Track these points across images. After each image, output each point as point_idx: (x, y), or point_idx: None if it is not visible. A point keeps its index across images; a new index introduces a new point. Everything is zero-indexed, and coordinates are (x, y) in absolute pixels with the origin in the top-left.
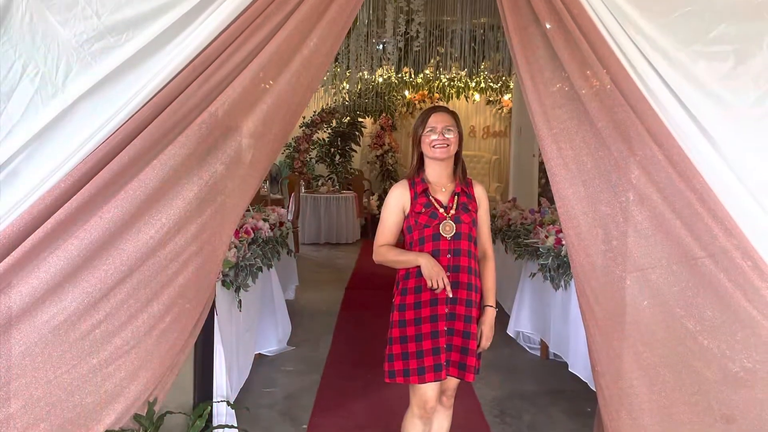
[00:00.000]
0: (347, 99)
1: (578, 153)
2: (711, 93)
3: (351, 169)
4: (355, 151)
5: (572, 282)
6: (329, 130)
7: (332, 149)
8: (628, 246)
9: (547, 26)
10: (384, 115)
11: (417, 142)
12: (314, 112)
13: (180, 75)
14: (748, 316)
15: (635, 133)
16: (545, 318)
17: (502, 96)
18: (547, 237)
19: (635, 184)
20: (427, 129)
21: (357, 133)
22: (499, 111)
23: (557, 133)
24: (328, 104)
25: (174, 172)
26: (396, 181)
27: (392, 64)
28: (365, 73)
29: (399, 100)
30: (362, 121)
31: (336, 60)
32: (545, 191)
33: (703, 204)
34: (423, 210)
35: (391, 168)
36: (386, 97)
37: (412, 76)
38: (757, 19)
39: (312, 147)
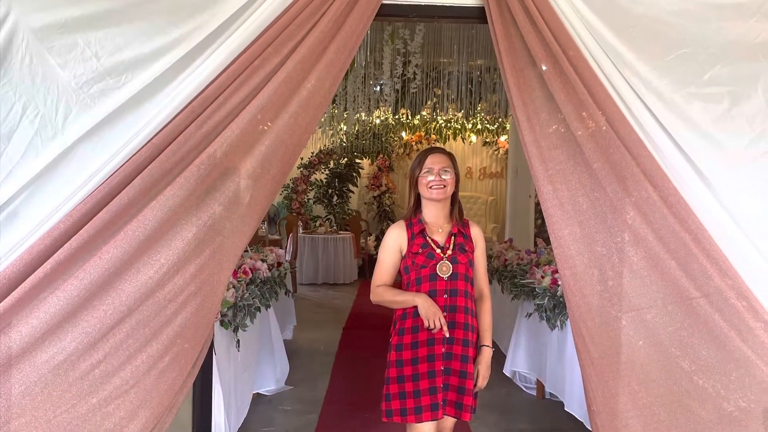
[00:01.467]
0: (345, 140)
1: (574, 194)
2: (706, 134)
3: (348, 209)
4: (353, 192)
5: (568, 322)
6: (327, 171)
7: (330, 190)
8: (623, 286)
9: (544, 68)
10: (381, 156)
11: (414, 183)
12: (312, 153)
13: (179, 116)
14: (743, 355)
15: (630, 174)
16: (541, 357)
17: (498, 137)
18: (543, 277)
19: (631, 224)
20: (424, 170)
21: (354, 174)
22: (496, 152)
23: (553, 174)
24: (325, 145)
25: (173, 213)
26: (393, 221)
27: (389, 106)
28: (363, 114)
29: (396, 141)
30: (359, 162)
31: (333, 101)
32: (541, 232)
33: (698, 244)
34: (420, 250)
35: (388, 209)
36: (383, 139)
37: (409, 117)
38: (751, 60)
39: (310, 188)
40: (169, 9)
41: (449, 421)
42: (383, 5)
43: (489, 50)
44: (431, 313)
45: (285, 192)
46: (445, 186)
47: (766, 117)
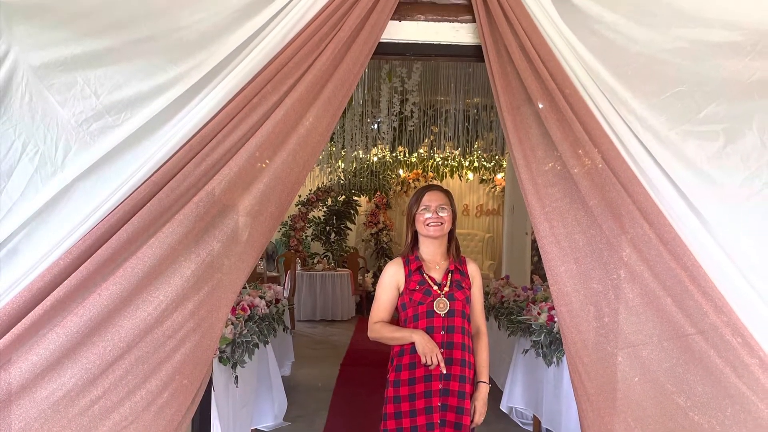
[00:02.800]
0: (342, 178)
1: (570, 231)
2: (701, 172)
3: (346, 246)
4: (350, 229)
5: (564, 358)
6: (325, 209)
7: (328, 227)
8: (619, 323)
9: (540, 106)
10: (379, 193)
11: (411, 220)
12: (310, 190)
13: (177, 154)
14: (738, 392)
15: (626, 211)
16: (538, 393)
17: (495, 175)
18: (539, 314)
19: (626, 261)
20: (421, 207)
21: (352, 211)
22: (493, 189)
23: (549, 211)
24: (323, 183)
25: (172, 250)
26: (390, 258)
27: (387, 144)
28: (360, 152)
29: (393, 178)
30: (357, 200)
31: (331, 139)
32: (538, 269)
33: (693, 281)
34: (417, 287)
35: (385, 246)
36: (381, 176)
37: (407, 155)
38: (746, 99)
39: (308, 225)
40: (167, 48)
41: None
42: (380, 44)
43: (486, 88)
44: (428, 350)
45: (283, 229)
46: (442, 223)
47: (760, 155)
